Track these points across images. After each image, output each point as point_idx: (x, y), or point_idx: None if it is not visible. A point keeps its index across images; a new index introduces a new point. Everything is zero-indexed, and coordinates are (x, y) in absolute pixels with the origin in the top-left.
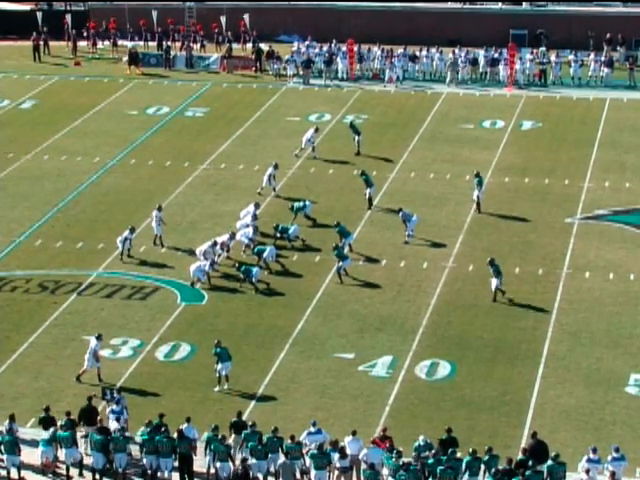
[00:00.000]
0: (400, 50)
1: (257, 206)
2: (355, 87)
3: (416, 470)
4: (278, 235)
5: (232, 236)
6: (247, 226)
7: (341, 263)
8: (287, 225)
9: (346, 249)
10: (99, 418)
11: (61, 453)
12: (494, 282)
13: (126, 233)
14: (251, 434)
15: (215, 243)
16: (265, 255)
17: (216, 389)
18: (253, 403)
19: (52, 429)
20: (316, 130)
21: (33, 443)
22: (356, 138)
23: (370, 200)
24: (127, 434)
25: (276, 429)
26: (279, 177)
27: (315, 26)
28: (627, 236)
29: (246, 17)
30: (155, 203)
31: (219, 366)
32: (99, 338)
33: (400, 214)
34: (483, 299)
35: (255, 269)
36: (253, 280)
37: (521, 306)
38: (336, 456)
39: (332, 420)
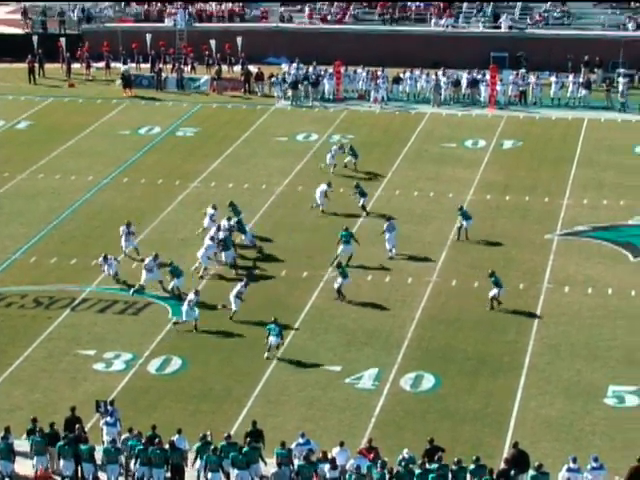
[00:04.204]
0: (381, 72)
1: (215, 208)
2: (341, 107)
3: (403, 477)
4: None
5: (218, 228)
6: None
7: (342, 280)
8: (245, 226)
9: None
10: (77, 426)
11: (58, 465)
12: (493, 291)
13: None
14: (229, 446)
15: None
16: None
17: (265, 355)
18: (243, 415)
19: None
20: (340, 147)
21: (28, 455)
22: (352, 160)
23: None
24: (119, 446)
25: (251, 441)
26: (267, 195)
27: (302, 49)
28: (605, 252)
29: (239, 40)
30: (147, 220)
31: (270, 339)
32: (197, 293)
33: (387, 224)
34: (466, 313)
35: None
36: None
37: (503, 320)
38: (326, 467)
39: (320, 431)
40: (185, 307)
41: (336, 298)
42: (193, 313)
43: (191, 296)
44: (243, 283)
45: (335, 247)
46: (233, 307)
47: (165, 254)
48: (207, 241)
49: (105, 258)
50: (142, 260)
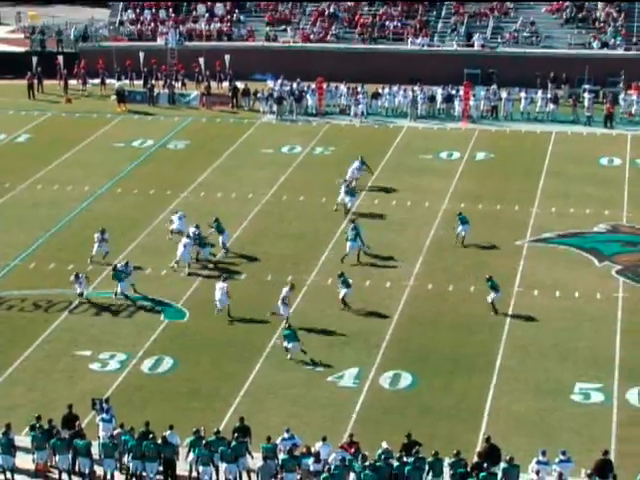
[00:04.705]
0: (361, 88)
1: (180, 215)
2: (323, 121)
3: (382, 470)
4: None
5: (197, 226)
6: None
7: (345, 290)
8: (223, 226)
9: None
10: (77, 423)
11: (55, 459)
12: (491, 295)
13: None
14: (218, 440)
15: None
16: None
17: (288, 357)
18: (231, 412)
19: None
20: (362, 162)
21: (28, 450)
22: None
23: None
24: (115, 441)
25: (239, 436)
26: (253, 204)
27: (287, 66)
28: (571, 257)
29: (227, 58)
30: (140, 228)
31: (289, 345)
32: (292, 288)
33: (352, 225)
34: (442, 315)
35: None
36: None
37: (476, 321)
38: (310, 460)
39: (304, 427)
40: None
41: (342, 308)
42: (286, 308)
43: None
44: (288, 288)
45: (344, 245)
46: (282, 312)
47: (157, 260)
48: (185, 239)
49: (77, 276)
50: (109, 264)
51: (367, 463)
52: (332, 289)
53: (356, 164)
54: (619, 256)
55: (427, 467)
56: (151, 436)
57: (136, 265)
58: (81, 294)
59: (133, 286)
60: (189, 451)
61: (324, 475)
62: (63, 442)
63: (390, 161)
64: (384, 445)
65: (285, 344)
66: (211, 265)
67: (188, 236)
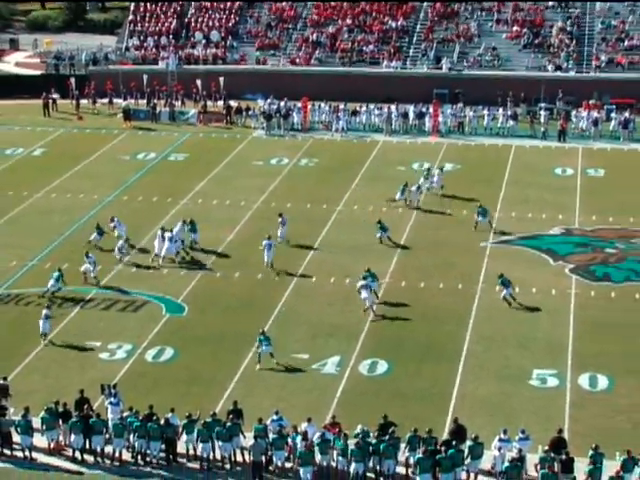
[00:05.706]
0: (342, 106)
1: (184, 222)
2: (308, 136)
3: (363, 448)
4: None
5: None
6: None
7: (371, 284)
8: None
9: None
10: (85, 406)
11: (70, 438)
12: (503, 292)
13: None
14: (214, 422)
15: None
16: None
17: (257, 367)
18: (225, 396)
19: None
20: (441, 169)
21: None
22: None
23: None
24: (124, 423)
25: (233, 417)
26: (245, 210)
27: (275, 86)
28: (530, 257)
29: (221, 79)
30: (143, 233)
31: (262, 349)
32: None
33: (280, 219)
34: (414, 309)
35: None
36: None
37: (445, 314)
38: (299, 438)
39: (291, 410)
40: (364, 294)
41: (373, 312)
42: (371, 297)
43: (364, 294)
44: (363, 278)
45: (329, 246)
46: (367, 303)
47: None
48: (168, 234)
49: (49, 307)
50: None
51: (350, 441)
52: (317, 285)
53: (439, 172)
54: (572, 256)
55: (405, 443)
56: (154, 418)
57: (140, 264)
58: (43, 334)
59: (96, 278)
60: (181, 432)
61: (300, 450)
62: (80, 423)
63: (368, 171)
64: (359, 429)
65: (261, 349)
66: (209, 264)
67: (174, 233)
